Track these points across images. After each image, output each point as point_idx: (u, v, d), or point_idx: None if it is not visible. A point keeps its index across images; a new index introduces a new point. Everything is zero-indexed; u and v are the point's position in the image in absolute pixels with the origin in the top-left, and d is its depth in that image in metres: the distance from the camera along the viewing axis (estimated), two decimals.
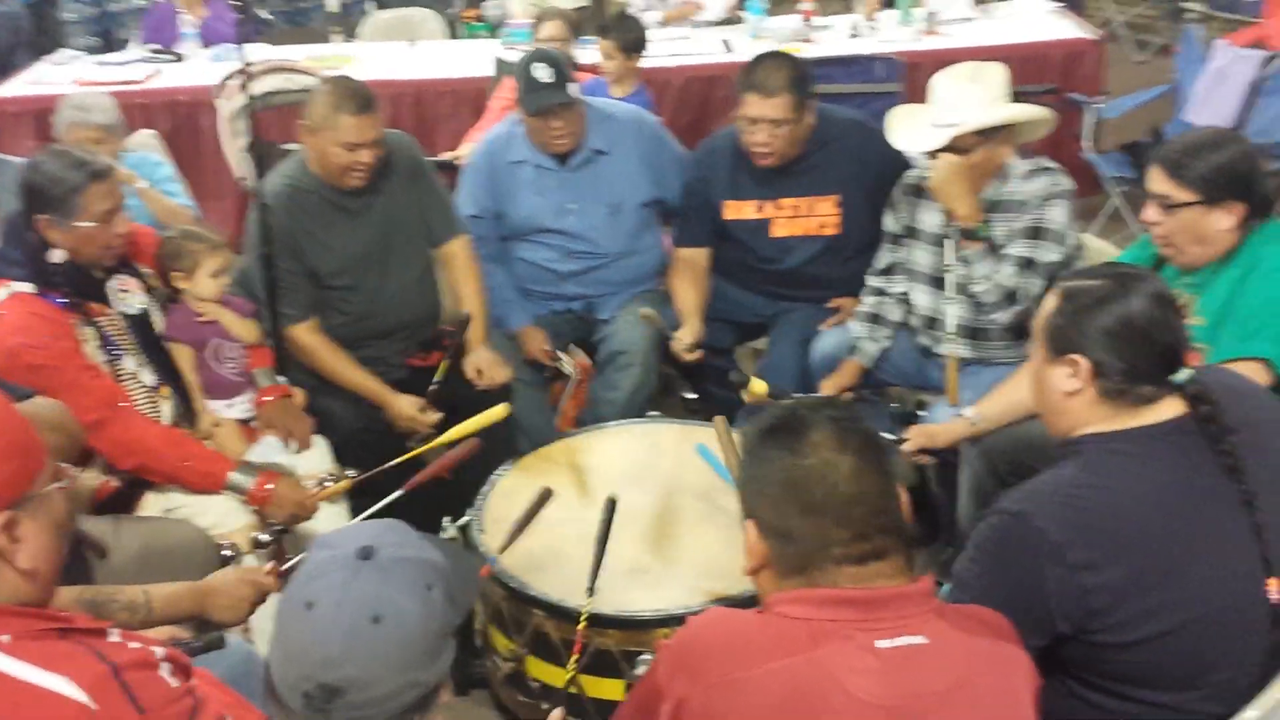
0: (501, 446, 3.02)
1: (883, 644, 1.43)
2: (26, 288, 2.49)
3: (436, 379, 3.14)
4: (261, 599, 2.13)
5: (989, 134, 2.80)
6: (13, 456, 1.40)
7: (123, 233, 2.62)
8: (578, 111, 3.32)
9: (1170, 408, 1.75)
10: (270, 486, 2.65)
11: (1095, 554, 1.64)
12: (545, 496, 2.44)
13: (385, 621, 1.35)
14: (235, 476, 2.65)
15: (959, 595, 1.74)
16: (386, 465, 2.75)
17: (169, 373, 2.74)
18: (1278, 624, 1.70)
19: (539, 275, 3.51)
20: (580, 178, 3.43)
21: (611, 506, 2.32)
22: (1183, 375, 1.74)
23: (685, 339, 3.26)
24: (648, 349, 3.35)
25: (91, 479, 2.58)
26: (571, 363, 3.45)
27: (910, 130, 2.95)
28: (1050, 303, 1.83)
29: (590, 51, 4.71)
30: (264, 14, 7.89)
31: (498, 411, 2.82)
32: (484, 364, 3.17)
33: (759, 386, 2.91)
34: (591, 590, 2.24)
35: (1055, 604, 1.66)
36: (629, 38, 4.39)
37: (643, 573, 2.40)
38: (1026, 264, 2.78)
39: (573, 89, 3.26)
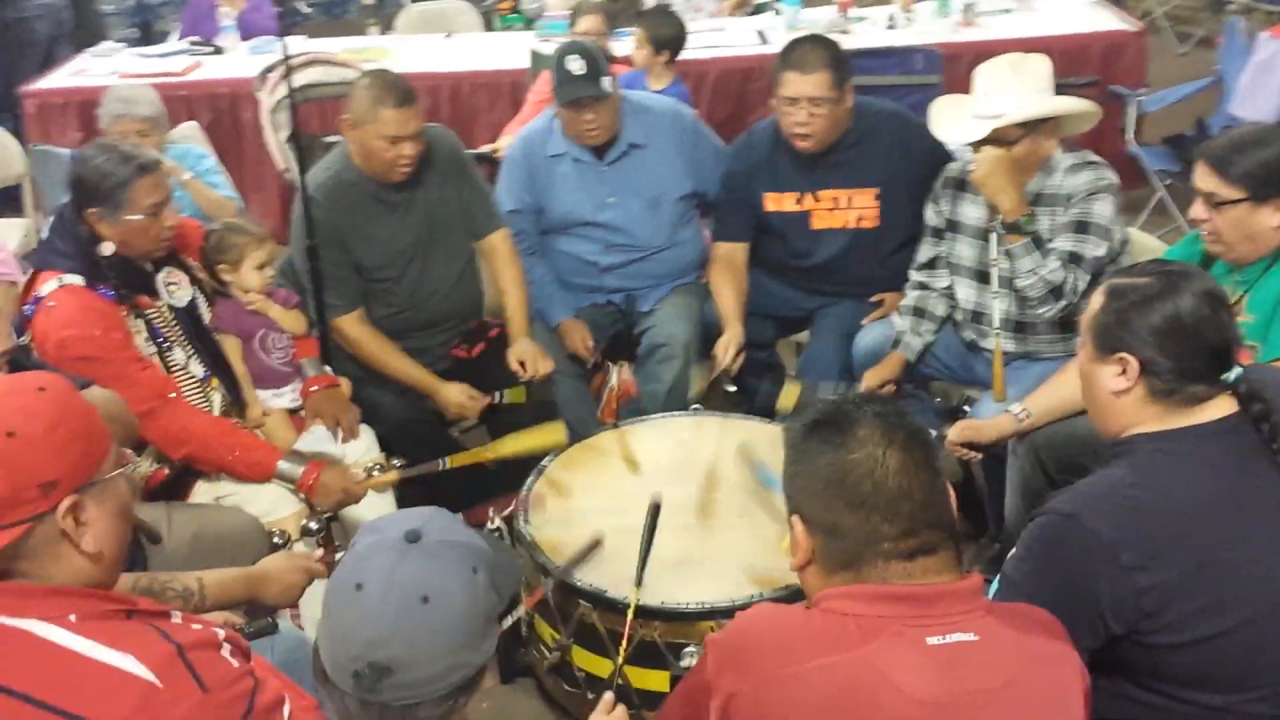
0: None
1: (933, 640, 1.43)
2: (76, 280, 2.52)
3: (506, 396, 3.16)
4: (310, 583, 2.16)
5: (1032, 126, 2.78)
6: (79, 441, 1.43)
7: (171, 225, 2.65)
8: (611, 104, 3.33)
9: (1221, 407, 1.73)
10: (317, 475, 2.69)
11: (1148, 555, 1.64)
12: (594, 545, 2.45)
13: (433, 602, 1.37)
14: (284, 465, 2.69)
15: (1009, 595, 1.74)
16: (443, 464, 2.77)
17: (218, 364, 2.77)
18: None
19: (579, 268, 3.52)
20: (618, 171, 3.44)
21: (656, 510, 2.32)
22: (1234, 374, 1.72)
23: (729, 348, 3.25)
24: (689, 341, 3.35)
25: (144, 467, 2.61)
26: (616, 375, 3.46)
27: (953, 121, 2.93)
28: (1097, 301, 1.82)
29: (627, 44, 4.71)
30: (302, 6, 7.93)
31: (556, 434, 2.82)
32: (527, 356, 3.19)
33: (788, 399, 2.91)
34: (637, 589, 2.24)
35: (1108, 605, 1.65)
36: (659, 32, 4.38)
37: (687, 565, 2.41)
38: (1072, 258, 2.76)
39: (606, 82, 3.27)
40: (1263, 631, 1.66)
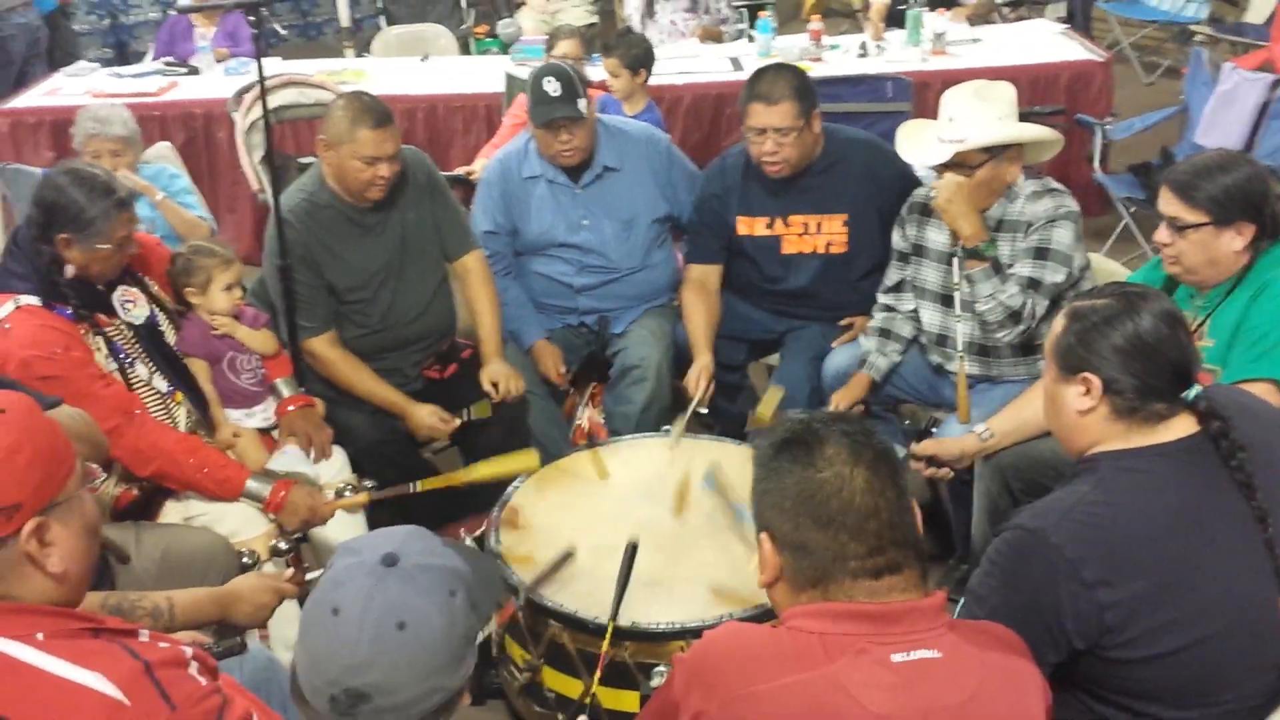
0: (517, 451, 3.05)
1: (898, 658, 1.44)
2: (33, 300, 2.51)
3: (472, 413, 3.17)
4: (280, 603, 2.15)
5: (995, 152, 2.82)
6: (40, 463, 1.43)
7: (133, 253, 2.68)
8: (587, 126, 3.36)
9: (1183, 425, 1.77)
10: (285, 494, 2.68)
11: (1110, 571, 1.66)
12: (566, 557, 2.45)
13: (410, 628, 1.36)
14: (252, 483, 2.68)
15: (974, 610, 1.76)
16: (413, 488, 2.77)
17: (182, 379, 2.77)
18: None
19: (553, 289, 3.54)
20: (592, 193, 3.47)
21: (633, 551, 2.33)
22: (1194, 392, 1.76)
23: (700, 380, 3.26)
24: (661, 362, 3.38)
25: (112, 487, 2.60)
26: (586, 417, 3.48)
27: (918, 144, 2.97)
28: (1060, 323, 1.86)
29: (600, 69, 4.75)
30: (279, 28, 7.94)
31: (528, 460, 2.83)
32: (499, 377, 3.20)
33: (768, 406, 2.94)
34: (613, 621, 2.25)
35: (1071, 621, 1.67)
36: (632, 54, 4.43)
37: (658, 585, 2.42)
38: (1031, 284, 2.81)
39: (582, 104, 3.30)
40: (1223, 647, 1.69)
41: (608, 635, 2.24)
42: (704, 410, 3.46)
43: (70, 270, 2.55)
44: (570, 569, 2.47)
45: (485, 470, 2.82)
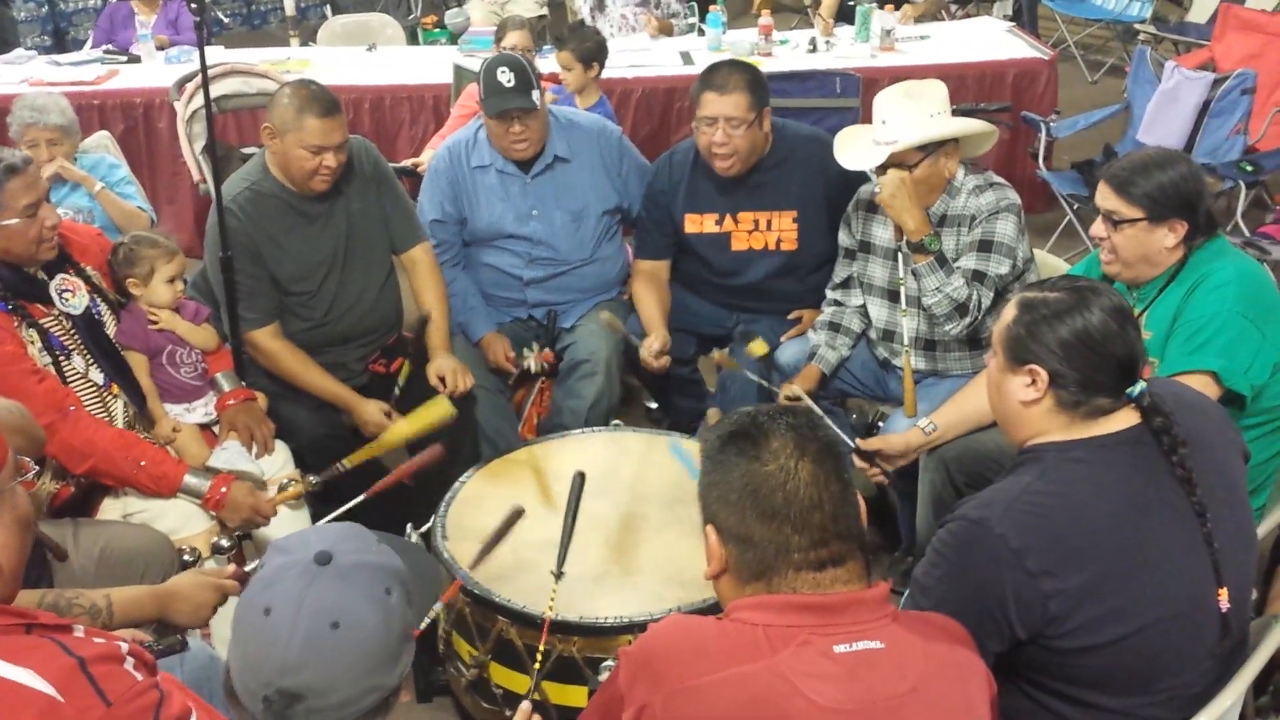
0: (465, 453, 3.03)
1: (841, 649, 1.45)
2: None
3: (400, 385, 3.14)
4: (223, 601, 2.12)
5: (931, 149, 2.85)
6: None
7: (52, 225, 2.56)
8: (540, 117, 3.34)
9: (1125, 418, 1.79)
10: (225, 490, 2.64)
11: (1053, 561, 1.68)
12: (517, 515, 2.45)
13: (343, 627, 1.35)
14: (191, 480, 2.63)
15: (919, 600, 1.77)
16: (342, 466, 2.75)
17: (120, 372, 2.70)
18: (1228, 632, 1.75)
19: (502, 281, 3.52)
20: (542, 184, 3.45)
21: (580, 480, 2.32)
22: (1138, 388, 1.78)
23: (654, 345, 3.28)
24: (611, 357, 3.37)
25: (48, 484, 2.55)
26: (535, 357, 3.44)
27: (855, 148, 3.00)
28: (1009, 313, 1.87)
29: (551, 61, 4.73)
30: (222, 16, 7.82)
31: (443, 407, 2.81)
32: (447, 371, 3.17)
33: (760, 347, 3.01)
34: (560, 566, 2.24)
35: (1014, 610, 1.69)
36: (585, 47, 4.41)
37: (606, 579, 2.42)
38: (976, 276, 2.84)
39: (536, 95, 3.28)
40: (1163, 637, 1.72)
41: (555, 584, 2.20)
42: (653, 405, 3.47)
43: None
44: (517, 561, 2.45)
45: (405, 429, 2.80)
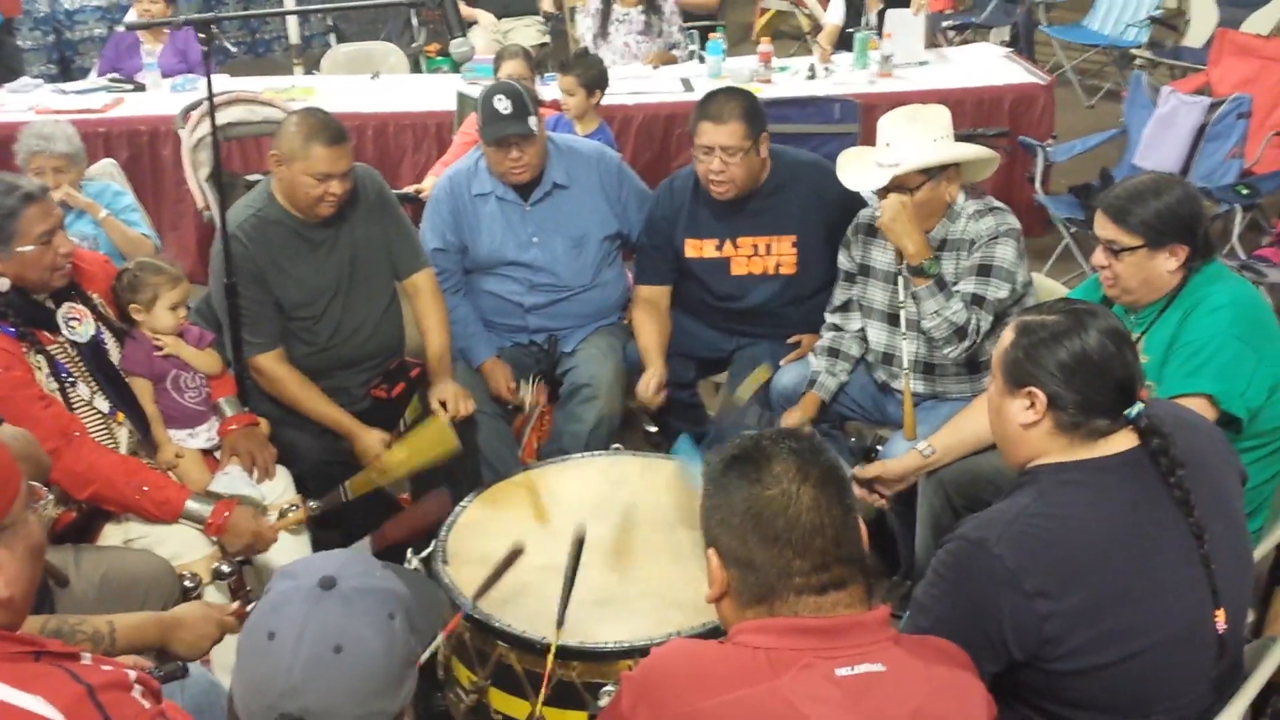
0: (466, 477, 3.04)
1: (842, 672, 1.46)
2: None
3: (406, 419, 3.16)
4: (221, 638, 2.12)
5: (933, 173, 2.87)
6: None
7: (66, 252, 2.61)
8: (537, 143, 3.37)
9: (1124, 440, 1.80)
10: (227, 515, 2.65)
11: (1050, 582, 1.69)
12: (516, 553, 2.45)
13: (347, 651, 1.35)
14: (192, 505, 2.64)
15: (917, 619, 1.78)
16: (344, 494, 2.75)
17: (124, 399, 2.73)
18: (1225, 654, 1.76)
19: (503, 308, 3.54)
20: (542, 211, 3.47)
21: (580, 541, 2.33)
22: (1135, 409, 1.79)
23: (650, 383, 3.29)
24: (611, 382, 3.38)
25: (50, 509, 2.56)
26: (531, 392, 3.46)
27: (858, 170, 3.02)
28: (1008, 336, 1.89)
29: (553, 88, 4.77)
30: (228, 45, 7.88)
31: (445, 437, 2.81)
32: (449, 396, 3.18)
33: (764, 373, 3.06)
34: (560, 623, 2.25)
35: (1010, 631, 1.70)
36: (589, 74, 4.45)
37: (607, 604, 2.41)
38: (975, 300, 2.86)
39: (533, 121, 3.31)
40: (1159, 659, 1.72)
41: (555, 641, 2.22)
42: (653, 429, 3.48)
43: (4, 283, 2.51)
44: (517, 586, 2.45)
45: (406, 458, 2.80)
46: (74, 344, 2.65)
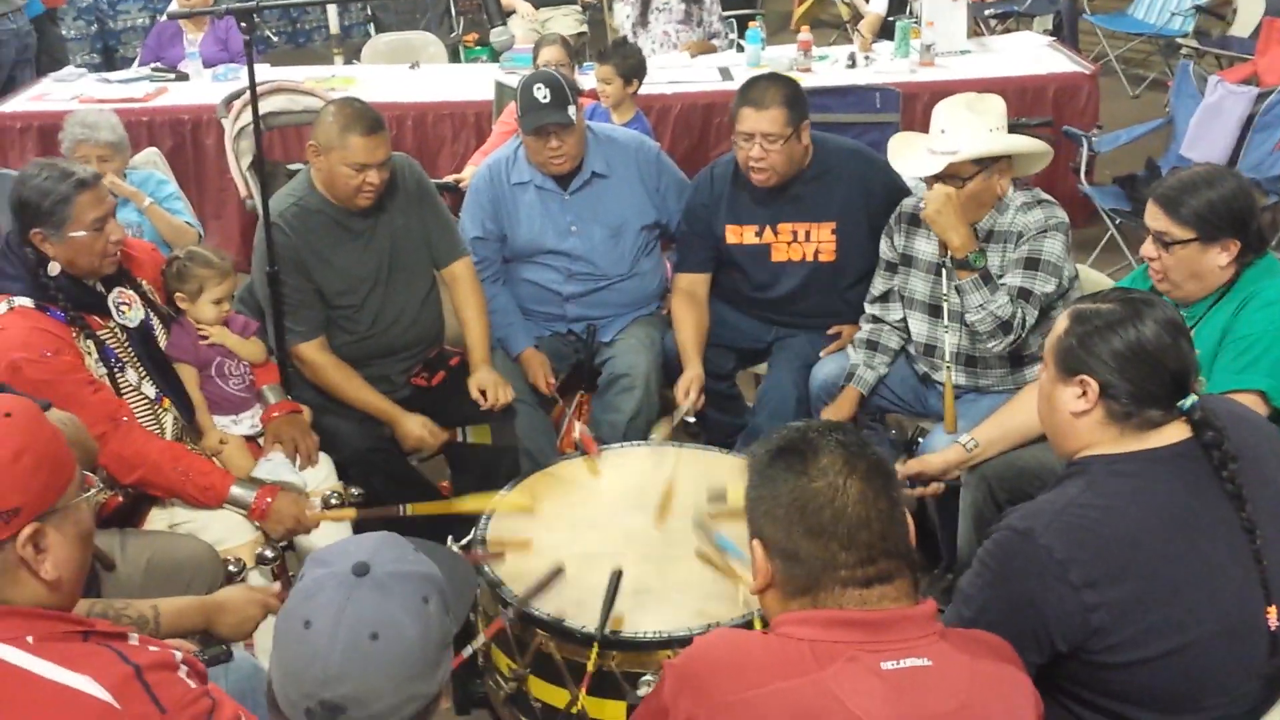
0: (505, 466, 3.04)
1: (888, 665, 1.45)
2: (26, 302, 2.51)
3: (469, 439, 3.14)
4: (265, 617, 2.14)
5: (986, 164, 2.84)
6: (43, 468, 1.42)
7: (117, 240, 2.63)
8: (576, 133, 3.36)
9: (1176, 432, 1.78)
10: (270, 501, 2.67)
11: (1097, 573, 1.67)
12: (556, 573, 2.44)
13: (383, 638, 1.36)
14: (236, 491, 2.67)
15: (960, 609, 1.77)
16: (403, 511, 2.73)
17: (171, 385, 2.75)
18: (1276, 651, 1.73)
19: (542, 296, 3.54)
20: (581, 200, 3.47)
21: (617, 578, 2.32)
22: (1189, 401, 1.77)
23: (691, 391, 3.26)
24: (649, 372, 3.37)
25: (98, 493, 2.59)
26: (578, 432, 3.47)
27: (911, 156, 2.99)
28: (1062, 324, 1.87)
29: (590, 78, 4.76)
30: (270, 34, 7.94)
31: (522, 502, 2.73)
32: (488, 385, 3.19)
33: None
34: (598, 644, 2.24)
35: (1055, 622, 1.68)
36: (627, 64, 4.44)
37: (645, 594, 2.41)
38: (1021, 294, 2.82)
39: (572, 110, 3.30)
40: (1207, 654, 1.70)
41: (593, 655, 2.22)
42: (692, 419, 3.47)
43: (55, 267, 2.54)
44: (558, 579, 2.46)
45: (476, 505, 2.76)
46: (124, 329, 2.67)
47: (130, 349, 2.68)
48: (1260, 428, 1.93)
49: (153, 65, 5.87)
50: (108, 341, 2.63)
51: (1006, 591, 1.73)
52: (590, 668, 2.22)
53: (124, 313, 2.69)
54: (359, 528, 2.86)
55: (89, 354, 2.58)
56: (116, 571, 2.30)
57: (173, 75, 5.69)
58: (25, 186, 2.53)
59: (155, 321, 2.78)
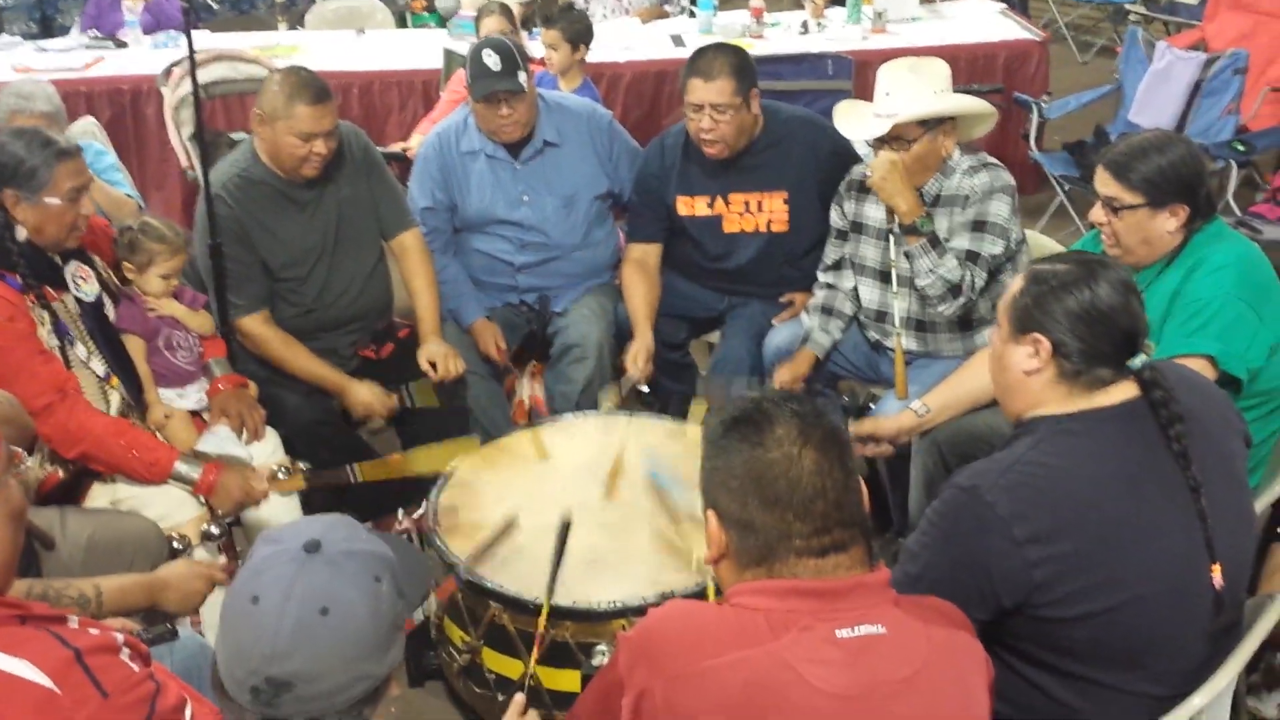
0: (456, 433, 3.01)
1: (842, 633, 1.45)
2: None
3: (414, 396, 3.14)
4: (211, 590, 2.11)
5: (931, 125, 2.84)
6: None
7: (86, 214, 2.60)
8: (527, 100, 3.32)
9: (1124, 391, 1.79)
10: (216, 476, 2.62)
11: (1041, 528, 1.68)
12: (510, 525, 2.43)
13: (333, 614, 1.34)
14: (181, 466, 2.62)
15: (906, 566, 1.79)
16: (353, 474, 2.71)
17: (120, 363, 2.70)
18: (1221, 610, 1.75)
19: (493, 267, 3.50)
20: (533, 169, 3.43)
21: (566, 528, 2.32)
22: (1139, 360, 1.78)
23: (638, 358, 3.25)
24: (602, 342, 3.35)
25: (36, 470, 2.53)
26: (526, 390, 3.45)
27: (855, 120, 2.99)
28: (1017, 284, 1.88)
29: (539, 45, 4.70)
30: (210, 1, 7.77)
31: (469, 448, 2.77)
32: (438, 357, 3.15)
33: (695, 415, 2.93)
34: (548, 602, 2.23)
35: (999, 578, 1.70)
36: (574, 28, 4.38)
37: (598, 564, 2.41)
38: (969, 257, 2.83)
39: (523, 77, 3.26)
40: (1152, 611, 1.71)
41: (543, 615, 2.22)
42: (645, 389, 3.46)
43: (22, 233, 2.50)
44: (510, 547, 2.44)
45: (426, 459, 2.76)
46: (79, 302, 2.62)
47: (82, 324, 2.63)
48: (1207, 391, 1.94)
49: (91, 32, 5.72)
50: (61, 314, 2.57)
51: (952, 548, 1.74)
52: (540, 628, 2.21)
53: (80, 286, 2.65)
54: (308, 498, 2.83)
55: (42, 324, 2.52)
56: (56, 550, 2.25)
57: (111, 44, 5.56)
58: (4, 150, 2.49)
59: (106, 300, 2.73)
